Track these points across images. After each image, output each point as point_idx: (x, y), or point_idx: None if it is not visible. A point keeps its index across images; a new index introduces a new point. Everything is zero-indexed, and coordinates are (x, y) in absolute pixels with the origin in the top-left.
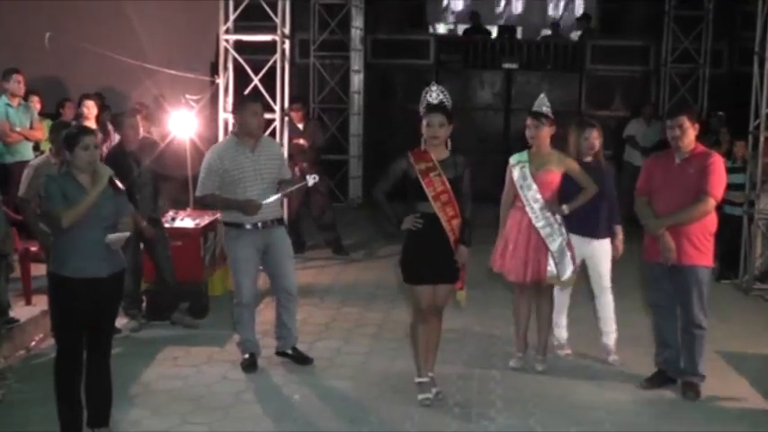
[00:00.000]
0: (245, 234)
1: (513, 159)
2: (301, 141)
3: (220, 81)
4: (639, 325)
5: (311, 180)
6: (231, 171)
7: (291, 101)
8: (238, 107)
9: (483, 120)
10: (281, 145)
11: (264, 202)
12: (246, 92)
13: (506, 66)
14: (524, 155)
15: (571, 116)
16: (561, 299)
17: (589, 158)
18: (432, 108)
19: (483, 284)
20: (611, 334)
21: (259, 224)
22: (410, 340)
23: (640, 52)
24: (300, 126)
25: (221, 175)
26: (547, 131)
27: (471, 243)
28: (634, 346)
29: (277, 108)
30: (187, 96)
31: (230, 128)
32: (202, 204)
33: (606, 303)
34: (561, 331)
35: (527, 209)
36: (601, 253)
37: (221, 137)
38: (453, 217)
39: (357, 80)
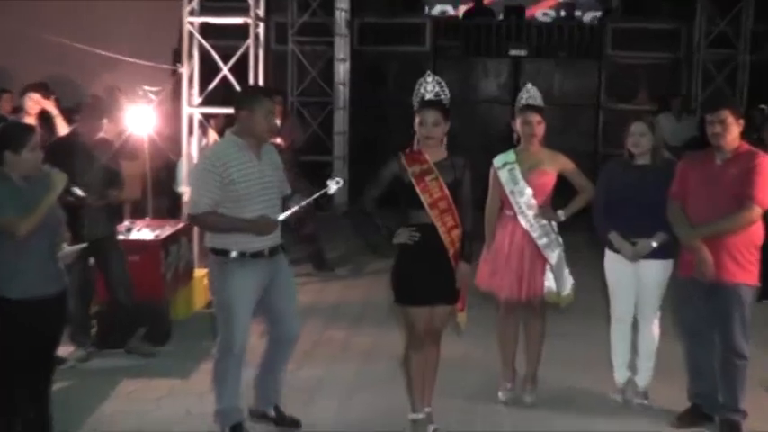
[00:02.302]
0: (248, 265)
1: (497, 161)
2: (278, 141)
3: (184, 71)
4: (669, 352)
5: (334, 186)
6: (238, 183)
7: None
8: (246, 101)
9: (487, 115)
10: None
11: (281, 217)
12: (215, 83)
13: (513, 53)
14: (510, 155)
15: (588, 110)
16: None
17: (642, 160)
18: (425, 104)
19: (486, 304)
20: (646, 373)
21: (266, 251)
22: (403, 370)
23: (669, 36)
24: (278, 122)
25: (224, 187)
26: (543, 127)
27: (473, 258)
28: (663, 377)
29: None
30: (145, 88)
31: (195, 124)
32: (199, 225)
33: (650, 336)
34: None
35: (520, 217)
36: (652, 274)
37: (185, 135)
38: (453, 227)
39: (342, 70)
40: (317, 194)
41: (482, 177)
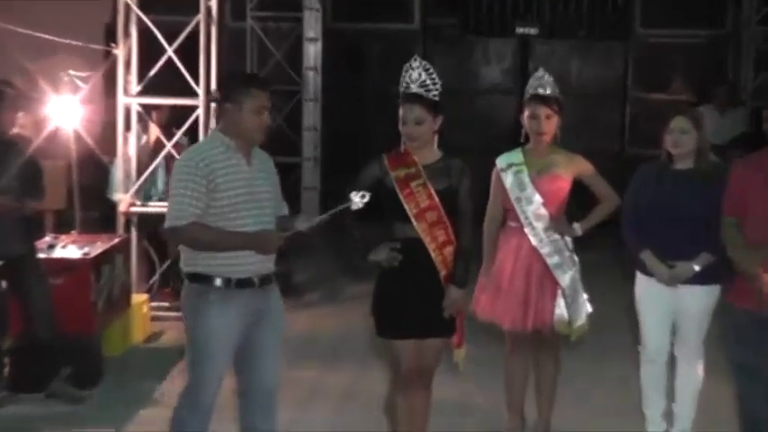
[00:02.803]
0: (233, 296)
1: (501, 161)
2: None
3: (119, 52)
4: (715, 393)
5: (358, 200)
6: (222, 192)
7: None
8: (232, 93)
9: (489, 107)
10: None
11: (286, 234)
12: (157, 67)
13: (521, 31)
14: (517, 155)
15: (613, 101)
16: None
17: (683, 164)
18: (406, 97)
19: (488, 337)
20: (686, 424)
21: (256, 279)
22: (387, 417)
23: (711, 10)
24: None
25: (210, 193)
26: (555, 123)
27: (469, 281)
28: (707, 423)
29: (201, 91)
30: (71, 73)
31: (133, 118)
32: (181, 241)
33: (691, 379)
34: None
35: (527, 230)
36: (694, 302)
37: (121, 131)
38: (446, 243)
39: (313, 51)
40: (336, 210)
41: (484, 184)
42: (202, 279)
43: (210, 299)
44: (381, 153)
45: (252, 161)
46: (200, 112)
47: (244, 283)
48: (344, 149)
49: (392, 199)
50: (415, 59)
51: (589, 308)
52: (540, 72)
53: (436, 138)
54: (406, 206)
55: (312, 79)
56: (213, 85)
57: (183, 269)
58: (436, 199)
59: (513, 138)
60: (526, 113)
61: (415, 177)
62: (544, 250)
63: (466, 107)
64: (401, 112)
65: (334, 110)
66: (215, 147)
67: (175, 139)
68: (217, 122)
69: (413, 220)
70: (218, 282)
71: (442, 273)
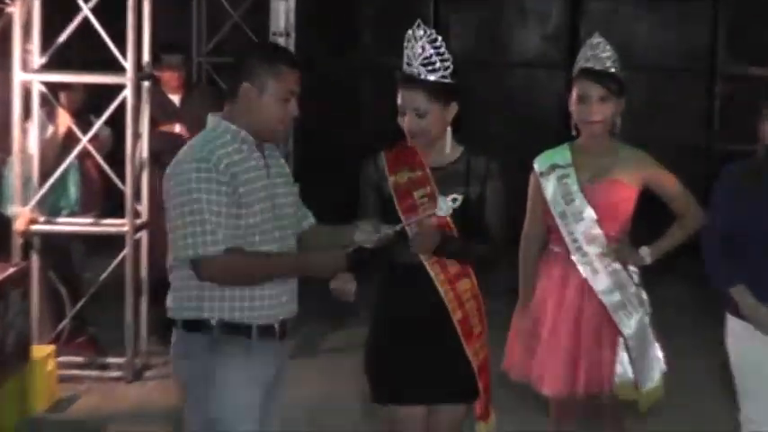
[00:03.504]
0: (255, 352)
1: (541, 163)
2: (177, 129)
3: (14, 10)
4: None
5: (448, 204)
6: (247, 205)
7: (160, 51)
8: (254, 69)
9: (526, 85)
10: (137, 134)
11: (348, 251)
12: (67, 33)
13: None
14: (563, 153)
15: (696, 78)
16: None
17: None
18: (405, 80)
19: (523, 405)
20: None
21: (277, 326)
22: None
23: None
24: (176, 99)
25: (236, 204)
26: (613, 109)
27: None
28: None
29: (129, 66)
30: None
31: (35, 101)
32: (214, 276)
33: None
34: None
35: (575, 257)
36: None
37: (17, 118)
38: (460, 275)
39: (283, 11)
40: (414, 220)
41: (518, 193)
42: (210, 327)
43: (229, 357)
44: (377, 151)
45: (269, 162)
46: (127, 93)
47: (266, 333)
48: (323, 144)
49: (389, 212)
50: (419, 27)
51: (664, 364)
52: (596, 39)
53: (449, 131)
54: (404, 222)
55: None
56: (146, 58)
57: (172, 314)
58: (448, 216)
59: (558, 129)
60: (574, 95)
61: (421, 184)
62: (600, 285)
63: (493, 88)
64: (399, 98)
65: (311, 91)
66: (227, 142)
67: (93, 130)
68: (194, 99)
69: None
70: (241, 330)
71: (457, 315)
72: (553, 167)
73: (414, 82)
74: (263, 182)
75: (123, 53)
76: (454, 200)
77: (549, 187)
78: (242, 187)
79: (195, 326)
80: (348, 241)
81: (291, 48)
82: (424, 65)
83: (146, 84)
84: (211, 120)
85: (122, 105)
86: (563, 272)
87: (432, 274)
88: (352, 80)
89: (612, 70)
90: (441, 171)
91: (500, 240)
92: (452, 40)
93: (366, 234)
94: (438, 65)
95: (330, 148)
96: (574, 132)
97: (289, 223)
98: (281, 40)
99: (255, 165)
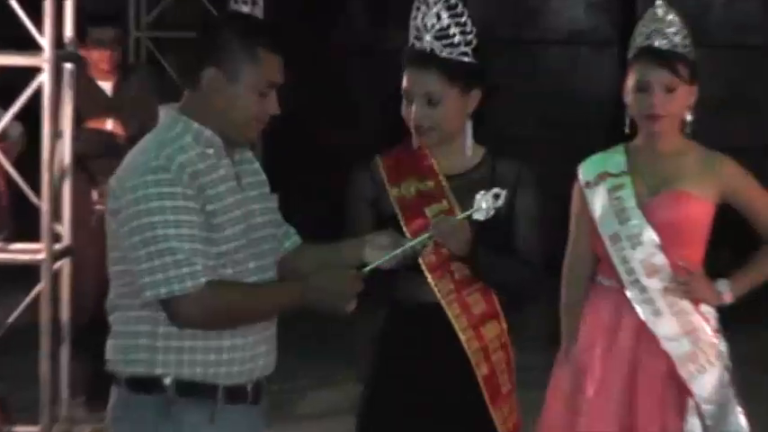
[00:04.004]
0: (222, 418)
1: (586, 171)
2: (109, 126)
3: None
4: None
5: (487, 203)
6: (219, 225)
7: (87, 24)
8: (224, 50)
9: (566, 69)
10: (57, 132)
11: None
12: None
13: None
14: (616, 157)
15: None
16: None
17: None
18: (415, 57)
19: None
20: None
21: (249, 387)
22: None
23: None
24: (107, 86)
25: (206, 226)
26: (683, 99)
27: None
28: None
29: (46, 43)
30: None
31: None
32: (193, 318)
33: None
34: None
35: (630, 293)
36: None
37: None
38: (485, 317)
39: None
40: (449, 225)
41: (559, 207)
42: (163, 387)
43: (186, 424)
44: (372, 156)
45: (240, 171)
46: (44, 79)
47: (235, 395)
48: (308, 144)
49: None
50: None
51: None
52: (660, 9)
53: (469, 126)
54: (433, 231)
55: None
56: (68, 32)
57: (113, 367)
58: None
59: (609, 127)
60: (630, 82)
61: (435, 198)
62: (663, 331)
63: (527, 71)
64: (405, 82)
65: (290, 79)
66: (188, 145)
67: (1, 125)
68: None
69: (427, 274)
70: (204, 392)
71: (482, 370)
72: (603, 176)
73: (425, 60)
74: (234, 197)
75: (38, 25)
76: (496, 196)
77: (598, 202)
78: (210, 204)
79: (144, 385)
80: (353, 261)
81: (262, 16)
82: (438, 38)
83: (68, 66)
84: (165, 115)
85: (38, 95)
86: (615, 312)
87: (450, 315)
88: (339, 66)
89: (682, 50)
90: (459, 180)
91: (538, 272)
92: (472, 9)
93: (380, 250)
94: (458, 38)
95: (311, 152)
96: (628, 130)
97: (269, 249)
98: (245, 9)
99: (225, 175)
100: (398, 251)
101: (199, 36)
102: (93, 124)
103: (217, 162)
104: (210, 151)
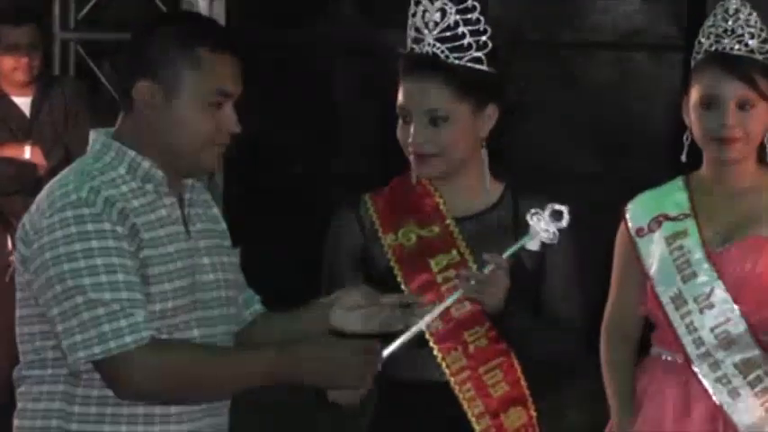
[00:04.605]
0: None
1: (637, 212)
2: (27, 154)
3: None
4: None
5: (552, 228)
6: (152, 271)
7: (0, 23)
8: (156, 53)
9: (614, 79)
10: None
11: (386, 351)
12: None
13: None
14: (676, 194)
15: None
16: None
17: None
18: (414, 63)
19: None
20: None
21: None
22: None
23: None
24: (24, 103)
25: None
26: (761, 118)
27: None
28: None
29: None
30: None
31: None
32: (135, 386)
33: None
34: None
35: (699, 369)
36: None
37: None
38: (507, 402)
39: None
40: (477, 281)
41: (601, 255)
42: None
43: None
44: (360, 194)
45: (189, 213)
46: None
47: None
48: (274, 174)
49: (387, 290)
50: None
51: None
52: (733, 5)
53: (485, 154)
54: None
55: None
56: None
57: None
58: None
59: (669, 152)
60: (694, 96)
61: (441, 247)
62: (745, 418)
63: (564, 82)
64: (400, 96)
65: (254, 88)
66: (120, 178)
67: None
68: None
69: (433, 345)
70: None
71: None
72: (659, 220)
73: (426, 67)
74: (178, 245)
75: None
76: (556, 214)
77: (654, 254)
78: (144, 251)
79: None
80: (317, 329)
81: (220, 18)
82: (443, 39)
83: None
84: (95, 140)
85: None
86: (681, 392)
87: (461, 398)
88: (320, 65)
89: (760, 56)
90: (471, 223)
91: (570, 338)
92: (494, 8)
93: (352, 311)
94: (468, 40)
95: (278, 185)
96: (684, 158)
97: (220, 316)
98: (202, 6)
99: (167, 217)
100: (422, 324)
101: (128, 43)
102: (5, 152)
103: (157, 200)
104: (149, 187)
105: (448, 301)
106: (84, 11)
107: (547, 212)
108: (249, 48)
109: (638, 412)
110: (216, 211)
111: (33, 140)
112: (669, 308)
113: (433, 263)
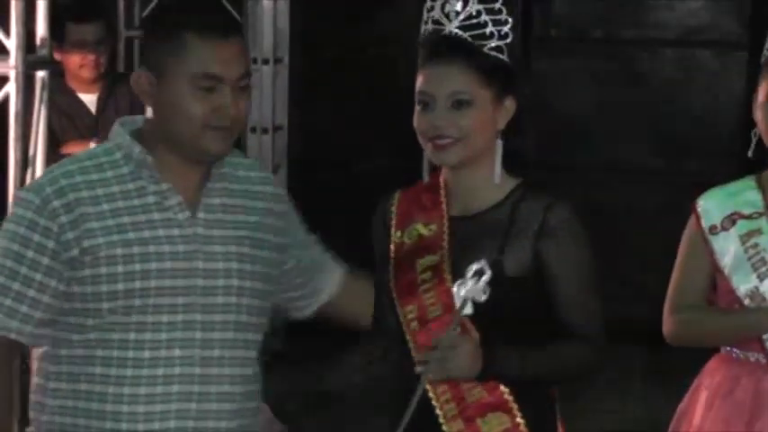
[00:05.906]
0: None
1: (709, 209)
2: (91, 144)
3: None
4: None
5: (473, 290)
6: (101, 266)
7: (65, 20)
8: (146, 41)
9: (680, 78)
10: (26, 160)
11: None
12: None
13: None
14: (749, 192)
15: None
16: None
17: None
18: (434, 46)
19: None
20: None
21: None
22: None
23: None
24: (90, 100)
25: (71, 271)
26: None
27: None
28: None
29: (12, 47)
30: None
31: None
32: None
33: None
34: None
35: None
36: None
37: None
38: (485, 408)
39: None
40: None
41: (664, 250)
42: None
43: None
44: (394, 190)
45: (203, 197)
46: (10, 90)
47: None
48: (328, 168)
49: (381, 295)
50: None
51: None
52: None
53: (499, 147)
54: (401, 320)
55: (264, 20)
56: (41, 31)
57: None
58: (461, 310)
59: (737, 149)
60: (762, 94)
61: (431, 248)
62: None
63: (626, 80)
64: (421, 80)
65: (312, 81)
66: (103, 165)
67: None
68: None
69: (413, 351)
70: None
71: None
72: (733, 218)
73: (453, 48)
74: (154, 232)
75: (4, 26)
76: (477, 274)
77: (729, 251)
78: (103, 237)
79: None
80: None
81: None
82: (465, 28)
83: (40, 74)
84: (116, 128)
85: (2, 110)
86: (754, 394)
87: (438, 411)
88: (383, 63)
89: None
90: (468, 223)
91: (594, 338)
92: (560, 6)
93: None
94: (490, 29)
95: (339, 182)
96: (750, 153)
97: (223, 304)
98: (266, 5)
99: (154, 204)
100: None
101: (148, 32)
102: (72, 149)
103: (147, 186)
104: (145, 173)
105: (415, 400)
106: (149, 8)
107: (468, 275)
108: (312, 46)
109: (709, 412)
110: (264, 204)
111: (99, 138)
112: (747, 302)
113: (419, 263)
